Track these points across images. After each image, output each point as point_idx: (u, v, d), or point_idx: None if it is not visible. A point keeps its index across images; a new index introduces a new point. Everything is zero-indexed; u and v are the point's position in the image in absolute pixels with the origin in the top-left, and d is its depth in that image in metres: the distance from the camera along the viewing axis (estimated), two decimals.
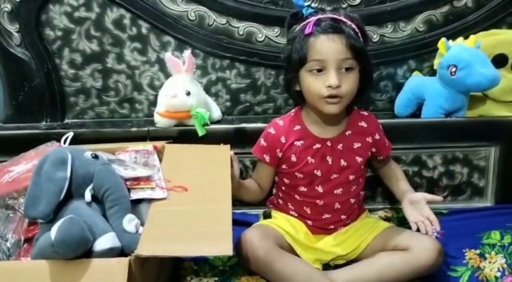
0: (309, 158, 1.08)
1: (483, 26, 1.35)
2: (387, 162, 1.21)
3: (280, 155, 1.11)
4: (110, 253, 0.75)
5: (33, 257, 0.76)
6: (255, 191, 1.17)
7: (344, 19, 1.02)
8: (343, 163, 1.08)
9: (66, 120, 1.40)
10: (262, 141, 1.13)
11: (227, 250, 0.75)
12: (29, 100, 1.35)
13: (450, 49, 1.26)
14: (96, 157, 0.85)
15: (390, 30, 1.36)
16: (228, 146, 1.11)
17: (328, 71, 0.99)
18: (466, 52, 1.24)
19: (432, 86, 1.30)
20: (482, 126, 1.29)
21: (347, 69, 1.00)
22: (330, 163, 1.08)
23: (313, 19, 1.03)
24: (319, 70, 1.00)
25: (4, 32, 1.31)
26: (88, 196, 0.81)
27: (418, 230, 1.04)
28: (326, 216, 1.11)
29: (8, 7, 1.29)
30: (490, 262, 1.08)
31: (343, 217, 1.11)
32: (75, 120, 1.40)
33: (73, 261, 0.71)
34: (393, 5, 1.34)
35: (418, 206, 1.06)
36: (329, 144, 1.08)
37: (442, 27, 1.36)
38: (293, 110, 1.15)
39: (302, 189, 1.11)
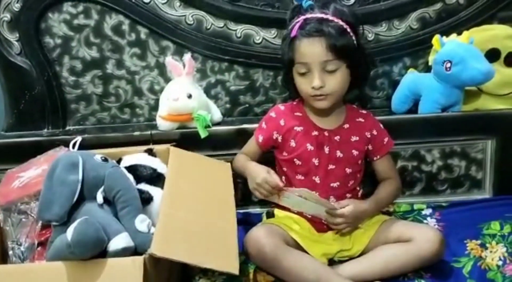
0: (308, 144, 1.10)
1: (475, 22, 1.37)
2: (389, 175, 1.18)
3: (279, 138, 1.14)
4: (124, 252, 0.76)
5: (49, 259, 0.77)
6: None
7: (330, 18, 1.04)
8: (339, 154, 1.11)
9: (68, 127, 1.40)
10: (263, 124, 1.17)
11: (234, 268, 0.80)
12: (30, 108, 1.36)
13: (444, 45, 1.28)
14: (106, 159, 0.87)
15: (385, 29, 1.38)
16: (229, 164, 1.16)
17: (312, 73, 1.04)
18: (460, 48, 1.26)
19: (428, 82, 1.31)
20: (478, 120, 1.31)
21: (331, 70, 1.03)
22: (326, 152, 1.10)
23: (300, 19, 1.06)
24: (305, 73, 1.05)
25: (4, 42, 1.32)
26: (100, 198, 0.82)
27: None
28: None
29: (7, 16, 1.31)
30: (491, 252, 1.11)
31: None
32: (77, 126, 1.40)
33: (89, 261, 0.72)
34: (387, 4, 1.36)
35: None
36: (326, 134, 1.11)
37: (435, 24, 1.38)
38: (296, 100, 1.18)
39: (300, 177, 1.12)
